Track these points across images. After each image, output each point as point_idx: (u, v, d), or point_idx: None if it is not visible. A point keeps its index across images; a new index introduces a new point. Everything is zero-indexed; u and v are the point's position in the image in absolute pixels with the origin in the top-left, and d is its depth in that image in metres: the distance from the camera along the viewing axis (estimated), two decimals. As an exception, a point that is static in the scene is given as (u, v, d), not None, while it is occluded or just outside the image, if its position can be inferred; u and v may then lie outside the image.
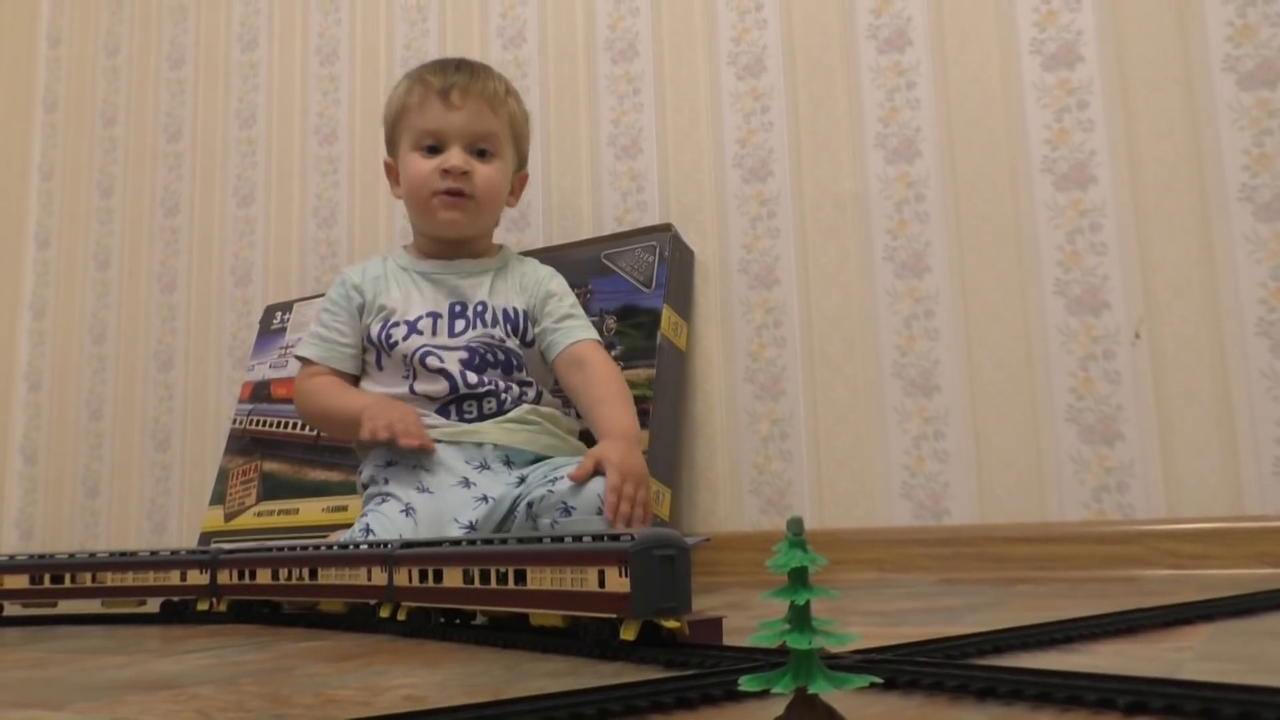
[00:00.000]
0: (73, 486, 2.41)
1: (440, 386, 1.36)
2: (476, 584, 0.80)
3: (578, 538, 0.72)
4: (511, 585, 0.76)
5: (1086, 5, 1.49)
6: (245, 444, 1.99)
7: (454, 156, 1.37)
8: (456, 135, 1.39)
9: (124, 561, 1.16)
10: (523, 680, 0.60)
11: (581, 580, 0.69)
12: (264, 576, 1.08)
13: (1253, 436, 1.33)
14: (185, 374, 2.31)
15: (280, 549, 1.08)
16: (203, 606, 1.13)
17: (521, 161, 1.49)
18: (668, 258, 1.63)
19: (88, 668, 0.75)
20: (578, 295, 1.68)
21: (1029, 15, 1.53)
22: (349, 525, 1.84)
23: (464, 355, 1.37)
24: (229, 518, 1.95)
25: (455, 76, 1.39)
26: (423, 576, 0.87)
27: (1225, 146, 1.39)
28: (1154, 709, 0.41)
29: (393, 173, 1.48)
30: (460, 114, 1.38)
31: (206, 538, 1.97)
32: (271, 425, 1.97)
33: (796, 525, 0.42)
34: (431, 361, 1.36)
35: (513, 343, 1.40)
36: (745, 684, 0.40)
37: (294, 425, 1.94)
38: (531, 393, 1.40)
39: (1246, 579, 1.14)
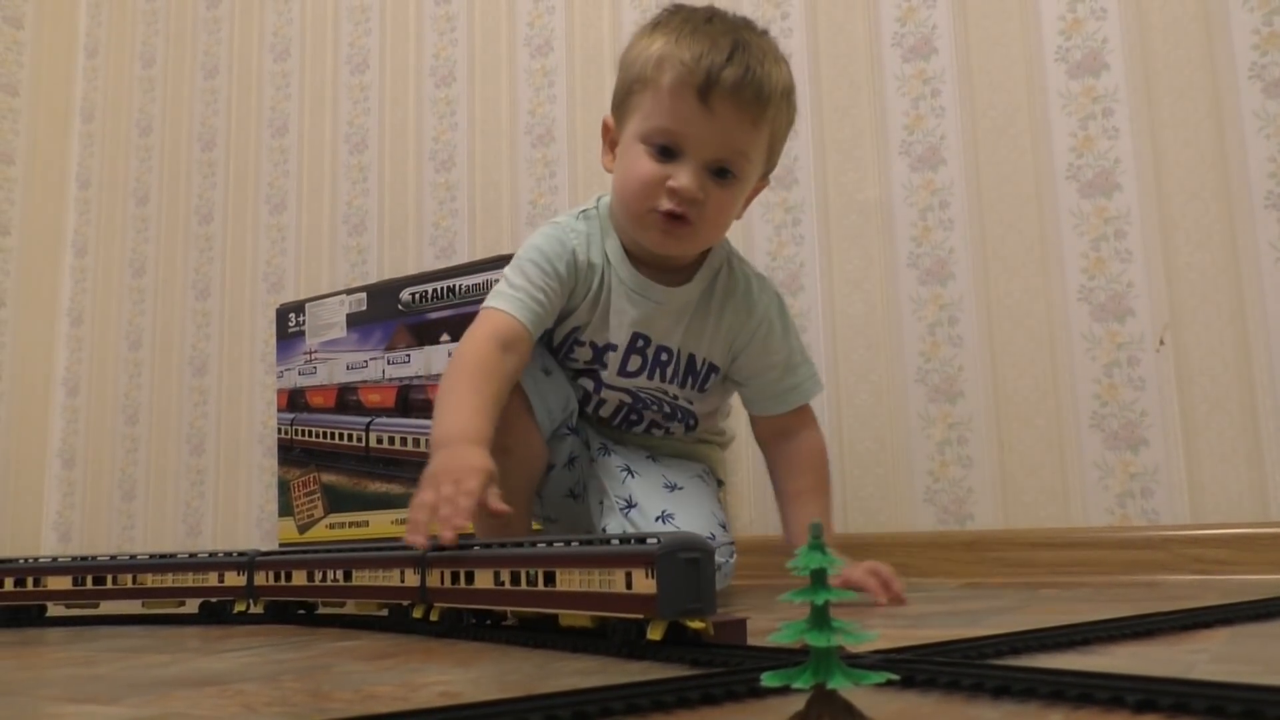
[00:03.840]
0: (110, 490, 2.45)
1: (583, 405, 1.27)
2: (507, 585, 0.81)
3: (605, 541, 0.73)
4: (541, 586, 0.77)
5: (1112, 13, 1.50)
6: (297, 455, 2.03)
7: (687, 178, 1.07)
8: (699, 148, 1.07)
9: (164, 563, 1.18)
10: (554, 678, 0.62)
11: (609, 582, 0.70)
12: (300, 578, 1.10)
13: (1278, 442, 1.33)
14: (219, 379, 2.35)
15: (318, 551, 1.11)
16: (240, 608, 1.15)
17: (769, 169, 1.19)
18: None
19: (134, 666, 0.78)
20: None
21: (1054, 23, 1.54)
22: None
23: (625, 399, 1.24)
24: (302, 529, 1.99)
25: (725, 69, 1.04)
26: (455, 578, 0.88)
27: (1251, 154, 1.39)
28: (1162, 707, 0.42)
29: (609, 137, 1.18)
30: (714, 124, 1.06)
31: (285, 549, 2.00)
32: (318, 436, 2.00)
33: (816, 529, 0.44)
34: (585, 386, 1.24)
35: (687, 398, 1.24)
36: (767, 680, 0.42)
37: (340, 436, 1.97)
38: (686, 427, 1.29)
39: (1271, 584, 1.15)
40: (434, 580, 0.91)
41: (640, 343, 1.18)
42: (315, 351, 2.02)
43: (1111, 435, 1.42)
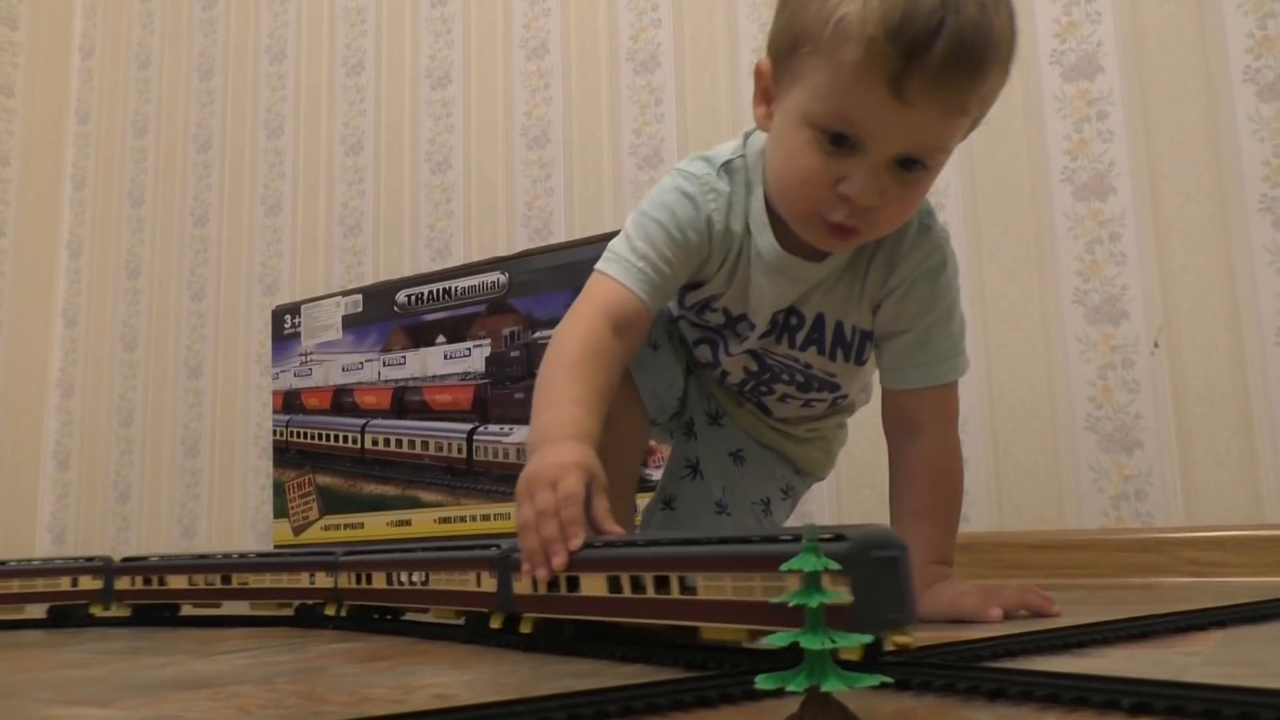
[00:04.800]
0: (104, 491, 2.45)
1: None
2: (626, 592, 0.66)
3: (757, 539, 0.59)
4: (675, 594, 0.63)
5: (1107, 16, 1.50)
6: (292, 456, 2.03)
7: (863, 183, 0.83)
8: (885, 145, 0.82)
9: (267, 563, 1.14)
10: (549, 680, 0.62)
11: (777, 589, 0.56)
12: (380, 581, 0.99)
13: (1272, 445, 1.33)
14: (214, 381, 2.34)
15: (397, 549, 1.00)
16: (330, 611, 1.06)
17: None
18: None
19: (129, 668, 0.77)
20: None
21: (1049, 26, 1.54)
22: (415, 539, 1.89)
23: (750, 365, 1.06)
24: (297, 531, 1.99)
25: (931, 48, 0.77)
26: (553, 585, 0.73)
27: (1245, 158, 1.39)
28: (1157, 710, 0.43)
29: (764, 85, 0.91)
30: (909, 119, 0.80)
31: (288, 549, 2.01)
32: (313, 437, 2.00)
33: (809, 531, 0.44)
34: (704, 355, 1.07)
35: (828, 369, 1.03)
36: (761, 682, 0.42)
37: (335, 438, 1.97)
38: (832, 402, 1.09)
39: (1266, 586, 1.15)
40: (524, 586, 0.76)
41: (776, 314, 1.00)
42: (311, 353, 2.02)
43: (1106, 438, 1.42)
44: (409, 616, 1.01)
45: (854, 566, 0.52)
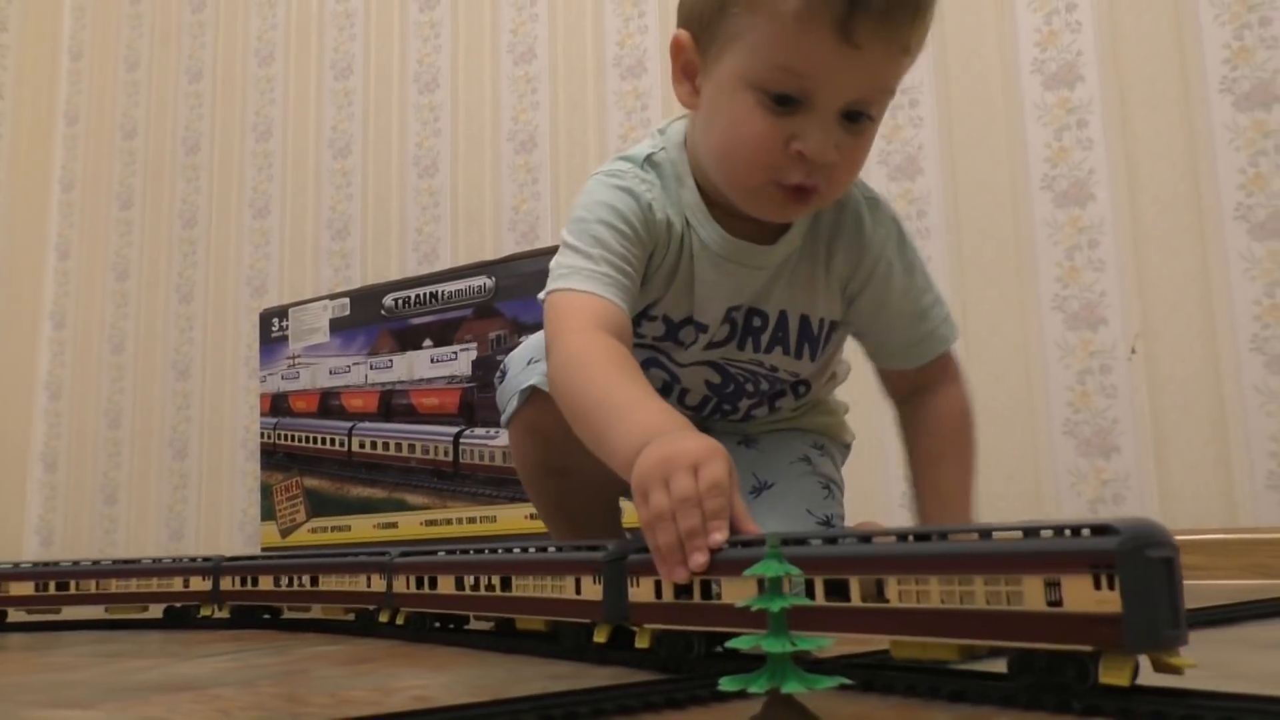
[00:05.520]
0: (92, 494, 2.45)
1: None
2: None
3: (973, 529, 0.49)
4: (856, 601, 0.52)
5: (1087, 26, 1.52)
6: (280, 459, 2.03)
7: (820, 138, 0.77)
8: (835, 94, 0.77)
9: (327, 564, 1.09)
10: (525, 682, 0.63)
11: (1010, 594, 0.46)
12: (446, 585, 0.89)
13: (1246, 450, 1.35)
14: (202, 383, 2.35)
15: (464, 550, 0.90)
16: (384, 618, 0.98)
17: None
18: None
19: (113, 671, 0.79)
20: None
21: (1030, 35, 1.56)
22: (403, 542, 1.90)
23: (713, 378, 0.96)
24: (284, 534, 2.00)
25: None
26: (659, 590, 0.64)
27: (1221, 166, 1.41)
28: (1107, 712, 0.44)
29: (684, 60, 0.83)
30: (858, 61, 0.75)
31: (268, 552, 2.01)
32: (301, 440, 2.01)
33: (776, 539, 0.45)
34: (658, 376, 0.95)
35: (793, 369, 0.96)
36: (724, 684, 0.43)
37: (323, 441, 1.98)
38: (795, 396, 1.01)
39: (1240, 589, 1.17)
40: (644, 593, 0.66)
41: (733, 313, 0.91)
42: (298, 356, 2.03)
43: (1084, 442, 1.44)
44: (472, 625, 0.91)
45: (1126, 567, 0.42)
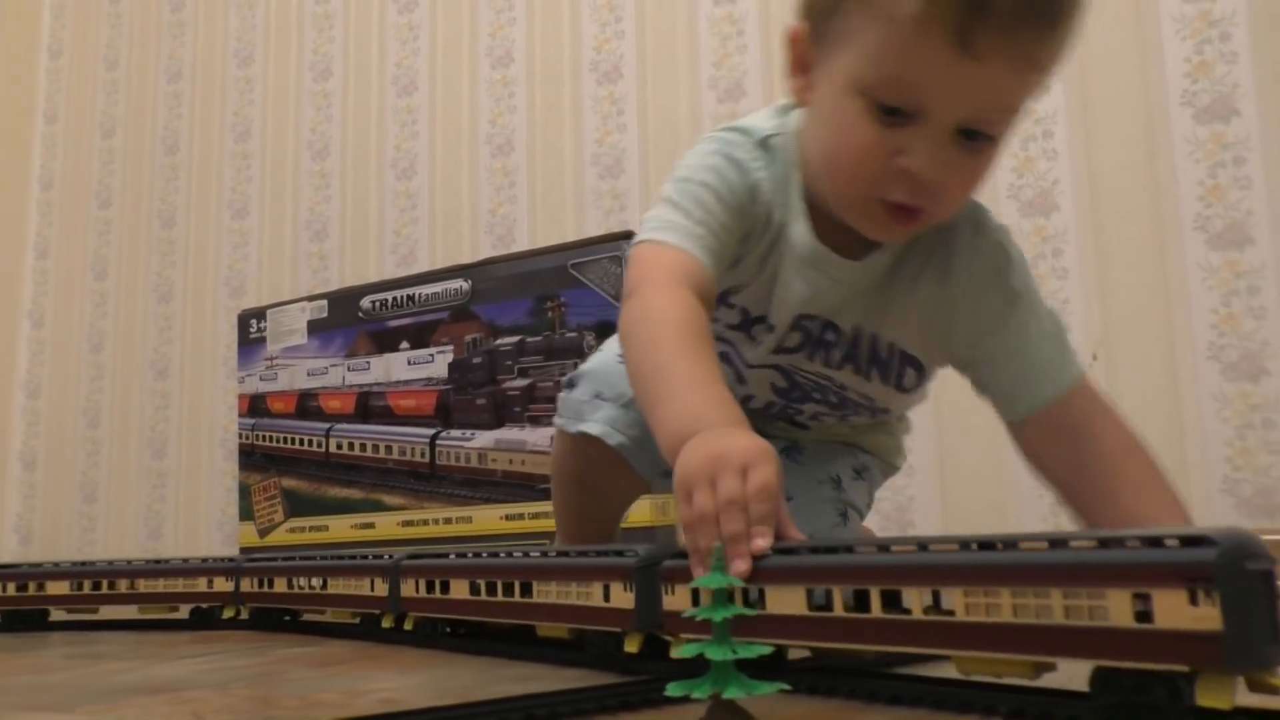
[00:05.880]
0: (70, 493, 2.46)
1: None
2: (839, 611, 0.53)
3: (1050, 539, 0.46)
4: (917, 614, 0.49)
5: (1051, 38, 1.55)
6: (258, 459, 2.05)
7: (927, 155, 0.71)
8: (949, 108, 0.70)
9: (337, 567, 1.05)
10: (491, 685, 0.66)
11: (1094, 608, 0.43)
12: (459, 590, 0.85)
13: (1202, 458, 1.39)
14: (181, 383, 2.36)
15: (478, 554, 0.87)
16: (387, 624, 0.95)
17: None
18: (642, 273, 1.68)
19: (91, 673, 0.81)
20: (549, 309, 1.74)
21: (996, 47, 1.59)
22: (380, 542, 1.93)
23: (779, 382, 0.92)
24: (262, 534, 2.02)
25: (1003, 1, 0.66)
26: (748, 596, 0.58)
27: (1181, 177, 1.45)
28: (1031, 714, 0.47)
29: (799, 52, 0.78)
30: (977, 75, 0.68)
31: (247, 554, 2.03)
32: (279, 441, 2.03)
33: (719, 552, 0.48)
34: (727, 371, 0.90)
35: (865, 391, 0.90)
36: (670, 690, 0.46)
37: (300, 442, 2.00)
38: (871, 415, 0.96)
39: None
40: (680, 601, 0.62)
41: (803, 320, 0.87)
42: (276, 358, 2.05)
43: (1047, 446, 1.47)
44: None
45: (1226, 581, 0.39)
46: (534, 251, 1.79)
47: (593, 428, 0.90)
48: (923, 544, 0.50)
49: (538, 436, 1.74)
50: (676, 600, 0.62)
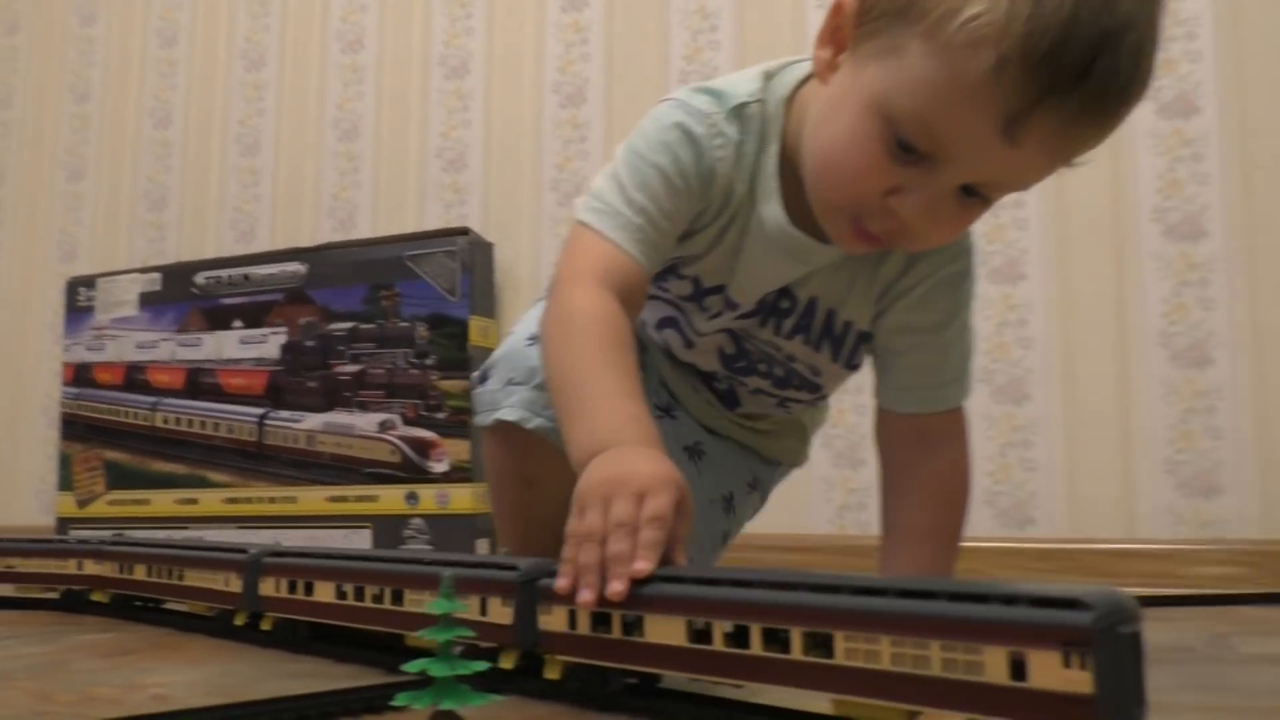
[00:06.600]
0: (-122, 453, 2.37)
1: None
2: (718, 645, 0.54)
3: (940, 592, 0.46)
4: (797, 654, 0.50)
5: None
6: (80, 430, 2.02)
7: (920, 206, 0.68)
8: (966, 173, 0.67)
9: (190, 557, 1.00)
10: (262, 681, 0.71)
11: (970, 663, 0.44)
12: (324, 593, 0.80)
13: (1147, 439, 1.49)
14: (4, 346, 2.31)
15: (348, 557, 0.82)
16: (240, 621, 0.90)
17: None
18: (470, 265, 1.73)
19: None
20: (383, 298, 1.78)
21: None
22: (203, 518, 1.93)
23: (727, 347, 0.91)
24: (81, 504, 2.00)
25: (1065, 100, 0.61)
26: (602, 622, 0.59)
27: (1142, 173, 1.53)
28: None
29: (838, 23, 0.72)
30: (1006, 158, 0.65)
31: (63, 524, 2.00)
32: (104, 413, 2.01)
33: (449, 582, 0.55)
34: (674, 338, 0.92)
35: (812, 363, 0.89)
36: (398, 700, 0.52)
37: (126, 414, 1.98)
38: (811, 403, 0.97)
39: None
40: (556, 621, 0.62)
41: (767, 295, 0.86)
42: (105, 328, 2.03)
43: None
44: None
45: (1100, 645, 0.40)
46: (371, 240, 1.83)
47: (509, 414, 0.87)
48: (810, 585, 0.51)
49: (366, 421, 1.78)
50: (553, 620, 0.62)
